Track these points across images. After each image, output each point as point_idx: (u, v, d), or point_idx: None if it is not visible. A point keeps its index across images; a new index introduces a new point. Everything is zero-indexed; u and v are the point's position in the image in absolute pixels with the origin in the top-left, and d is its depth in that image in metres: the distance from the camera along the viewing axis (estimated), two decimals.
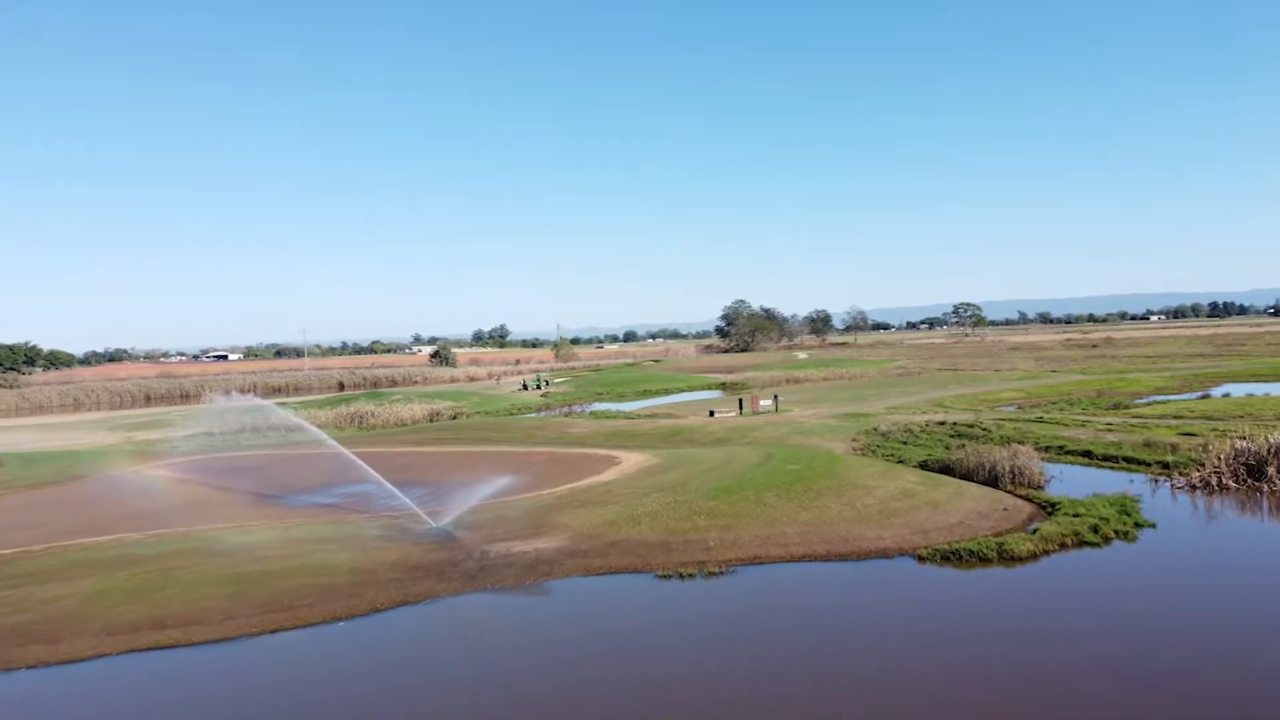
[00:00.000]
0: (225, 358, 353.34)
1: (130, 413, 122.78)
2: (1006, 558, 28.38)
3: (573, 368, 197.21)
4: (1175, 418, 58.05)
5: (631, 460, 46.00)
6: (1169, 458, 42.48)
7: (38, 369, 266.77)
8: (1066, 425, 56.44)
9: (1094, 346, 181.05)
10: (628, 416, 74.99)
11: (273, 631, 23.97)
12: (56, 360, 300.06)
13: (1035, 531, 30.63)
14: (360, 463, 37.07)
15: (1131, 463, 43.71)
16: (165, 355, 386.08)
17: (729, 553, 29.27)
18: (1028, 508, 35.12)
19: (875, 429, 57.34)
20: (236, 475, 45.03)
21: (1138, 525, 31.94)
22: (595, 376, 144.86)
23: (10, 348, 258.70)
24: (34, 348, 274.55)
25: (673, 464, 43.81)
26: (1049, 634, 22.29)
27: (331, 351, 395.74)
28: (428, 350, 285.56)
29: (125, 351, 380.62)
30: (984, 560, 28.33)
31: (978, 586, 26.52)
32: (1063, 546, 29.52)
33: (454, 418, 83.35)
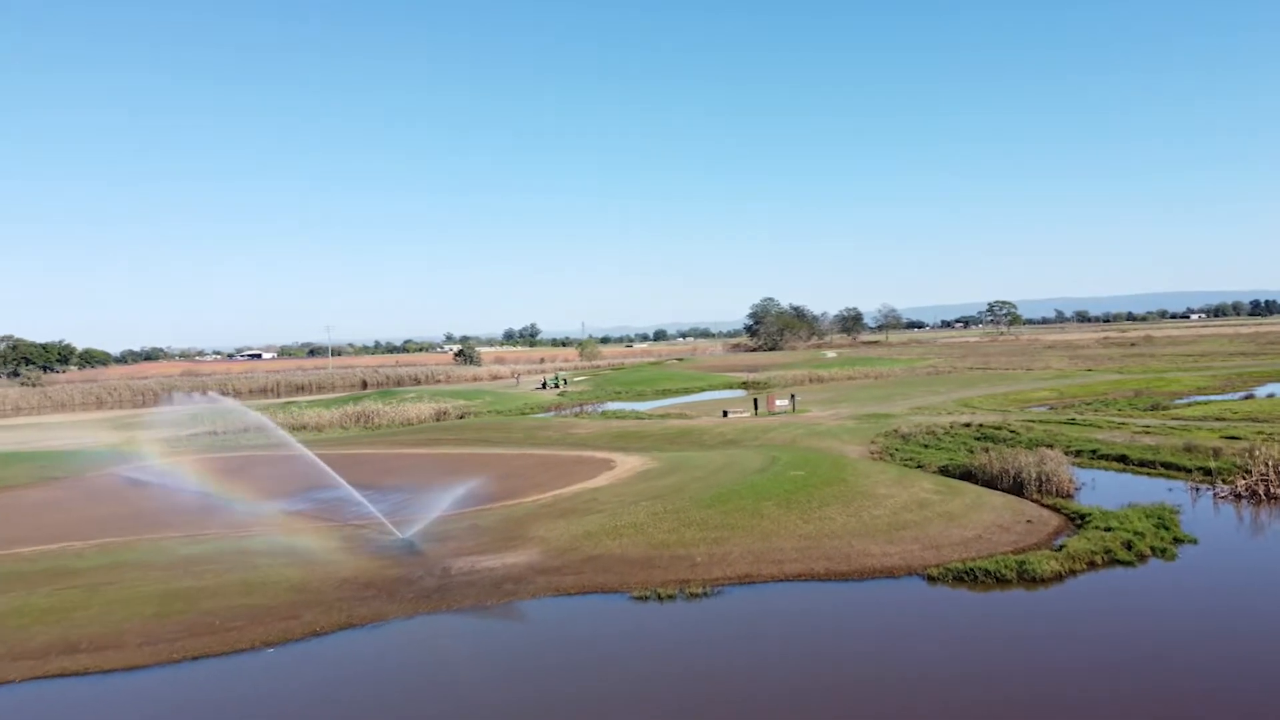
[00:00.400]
0: (259, 356, 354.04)
1: (146, 411, 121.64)
2: (1028, 579, 25.18)
3: (597, 366, 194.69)
4: (1217, 419, 54.29)
5: (628, 464, 43.12)
6: (1211, 463, 38.98)
7: (72, 367, 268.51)
8: (1100, 427, 52.89)
9: (1132, 345, 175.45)
10: (638, 416, 72.14)
11: (192, 658, 21.37)
12: (92, 359, 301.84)
13: (1061, 548, 27.37)
14: (324, 466, 34.52)
15: (1170, 469, 40.32)
16: (200, 354, 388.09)
17: (716, 570, 26.30)
18: (1054, 520, 31.86)
19: (895, 431, 54.02)
20: (212, 478, 42.65)
21: (1177, 541, 28.64)
22: (615, 375, 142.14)
23: (44, 346, 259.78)
24: (68, 346, 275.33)
25: (670, 468, 40.89)
26: (1072, 672, 19.12)
27: (365, 350, 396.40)
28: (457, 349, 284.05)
29: (161, 350, 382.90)
30: (1002, 582, 25.13)
31: (993, 613, 23.39)
32: (1092, 566, 26.29)
33: (461, 417, 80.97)
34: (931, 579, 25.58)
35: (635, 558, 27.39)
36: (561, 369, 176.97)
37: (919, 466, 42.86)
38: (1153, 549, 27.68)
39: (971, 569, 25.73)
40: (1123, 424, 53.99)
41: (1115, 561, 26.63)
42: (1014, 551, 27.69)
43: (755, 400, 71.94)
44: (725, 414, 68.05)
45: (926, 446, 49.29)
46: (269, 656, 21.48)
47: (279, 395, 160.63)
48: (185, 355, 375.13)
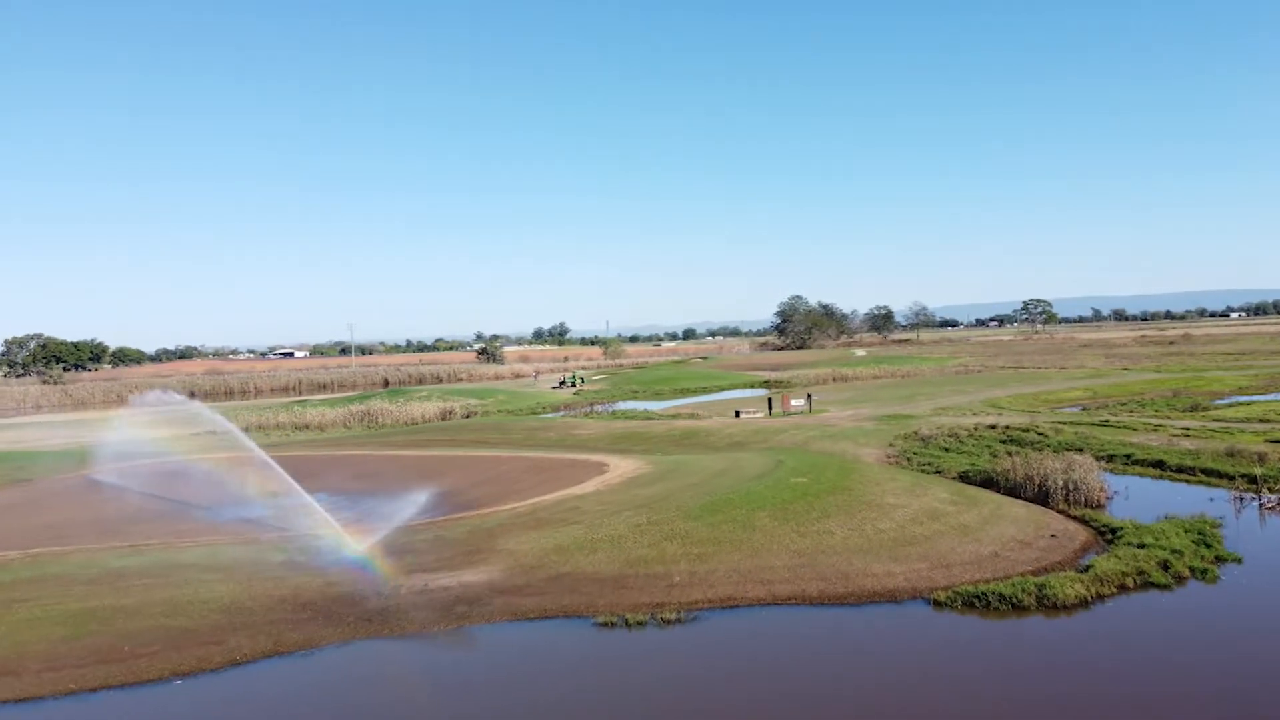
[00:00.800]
0: (291, 355, 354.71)
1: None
2: (1048, 605, 22.11)
3: (620, 365, 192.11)
4: (1262, 421, 50.70)
5: (621, 468, 40.32)
6: (1256, 470, 35.74)
7: (105, 365, 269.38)
8: (1135, 430, 49.45)
9: (1170, 343, 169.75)
10: (646, 416, 69.35)
11: (93, 689, 18.90)
12: (125, 357, 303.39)
13: (1088, 568, 24.24)
14: (280, 472, 32.06)
15: (1211, 475, 37.19)
16: (234, 353, 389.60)
17: (696, 592, 23.46)
18: (1082, 534, 28.74)
19: (915, 433, 50.77)
20: (180, 482, 40.37)
21: (1219, 559, 25.51)
22: (634, 374, 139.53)
23: (75, 344, 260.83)
24: (100, 345, 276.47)
25: (664, 473, 38.06)
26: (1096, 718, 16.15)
27: (396, 349, 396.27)
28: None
29: (195, 349, 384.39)
30: (1018, 608, 22.09)
31: (1007, 646, 20.41)
32: (1122, 589, 23.21)
33: (467, 416, 78.72)
34: (938, 604, 22.60)
35: (607, 576, 24.62)
36: (585, 367, 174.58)
37: (937, 472, 39.83)
38: (1192, 569, 24.56)
39: (984, 593, 22.69)
40: (1159, 426, 50.54)
41: (1149, 584, 23.52)
42: (1034, 572, 24.64)
43: (769, 400, 68.90)
44: (737, 414, 65.13)
45: (947, 450, 46.14)
46: (176, 689, 18.96)
47: (300, 393, 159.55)
48: (218, 354, 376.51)
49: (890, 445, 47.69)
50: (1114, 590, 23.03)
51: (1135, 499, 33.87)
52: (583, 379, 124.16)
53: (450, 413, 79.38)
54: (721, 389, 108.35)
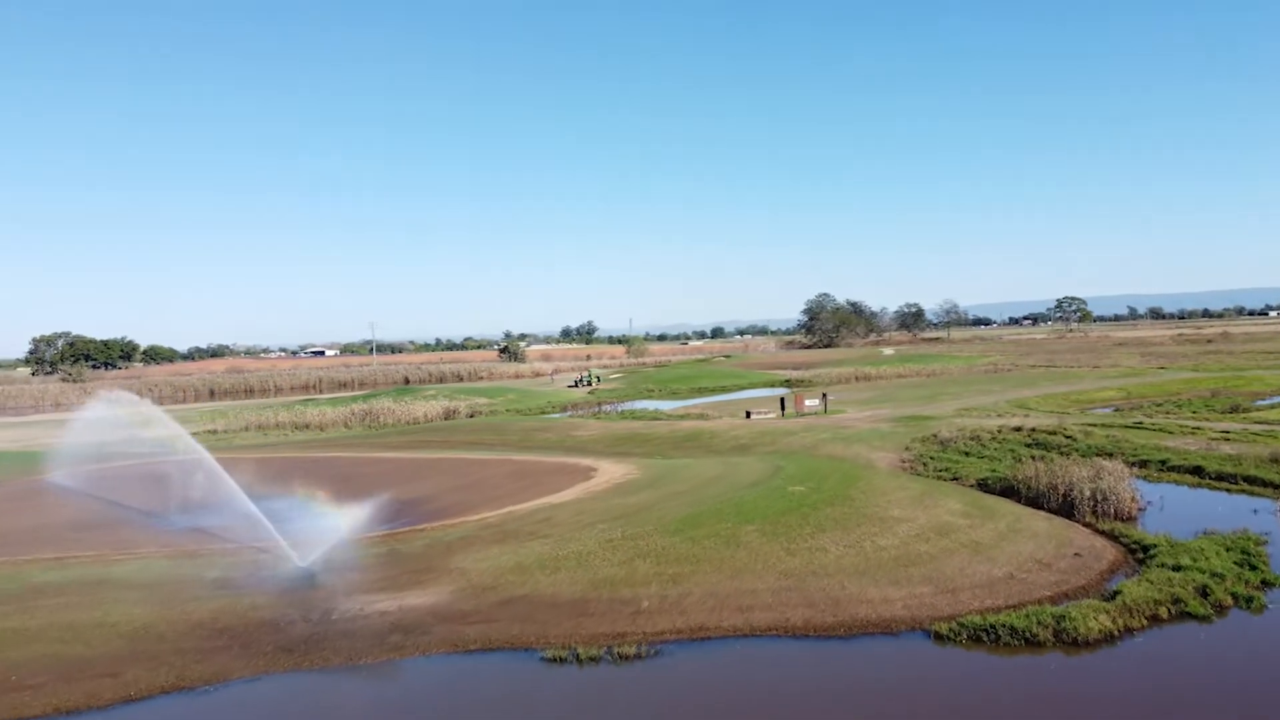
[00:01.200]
0: (321, 353, 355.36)
1: (179, 408, 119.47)
2: (1067, 641, 19.08)
3: (642, 364, 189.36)
4: None
5: (609, 473, 37.55)
6: None
7: (136, 363, 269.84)
8: (1171, 433, 46.05)
9: (1208, 342, 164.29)
10: (654, 417, 66.49)
11: None
12: (157, 355, 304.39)
13: (1116, 595, 21.17)
14: (225, 478, 29.53)
15: (1254, 483, 34.12)
16: (265, 351, 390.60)
17: (664, 620, 20.64)
18: (1110, 552, 25.64)
19: (934, 435, 47.53)
20: (136, 486, 38.08)
21: (1265, 584, 22.45)
22: (653, 373, 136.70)
23: (105, 343, 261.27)
24: (130, 343, 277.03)
25: (654, 479, 35.27)
26: None
27: (425, 347, 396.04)
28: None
29: (227, 348, 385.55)
30: (1032, 644, 19.08)
31: (1014, 693, 17.42)
32: (1154, 620, 20.16)
33: (471, 416, 76.31)
34: (939, 637, 19.63)
35: (567, 600, 21.87)
36: (607, 366, 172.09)
37: (954, 479, 36.78)
38: (1235, 596, 21.48)
39: (993, 625, 19.67)
40: (1197, 429, 47.07)
41: (1186, 615, 20.46)
42: (1053, 598, 21.63)
43: (782, 400, 65.80)
44: (748, 415, 62.15)
45: (967, 454, 43.02)
46: None
47: (321, 391, 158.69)
48: (250, 352, 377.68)
49: (906, 449, 44.60)
50: (1144, 622, 19.98)
51: (1170, 510, 30.71)
52: (598, 377, 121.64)
53: (454, 412, 77.01)
54: (740, 388, 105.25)
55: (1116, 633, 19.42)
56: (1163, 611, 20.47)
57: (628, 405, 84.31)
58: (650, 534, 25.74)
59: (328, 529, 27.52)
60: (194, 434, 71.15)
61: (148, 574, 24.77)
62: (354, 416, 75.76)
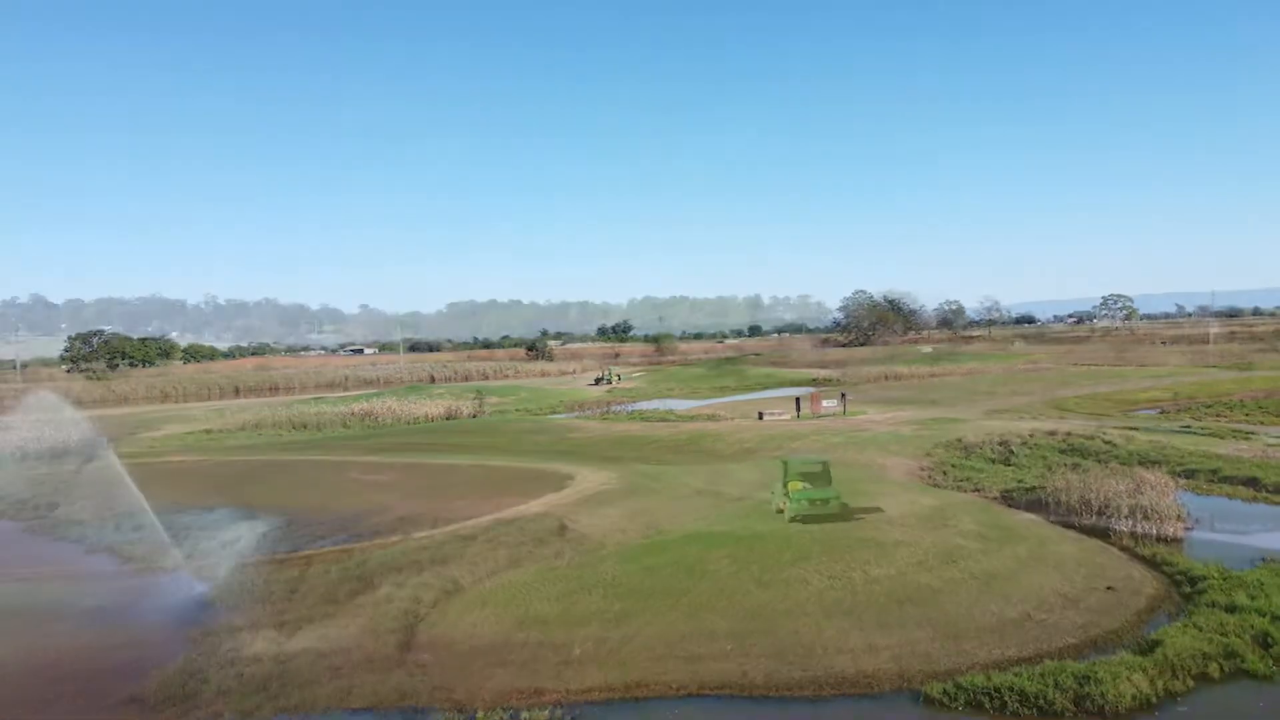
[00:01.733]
0: (360, 351, 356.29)
1: (199, 405, 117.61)
2: (1092, 711, 15.06)
3: (671, 361, 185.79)
4: None
5: (587, 483, 33.88)
6: None
7: (176, 362, 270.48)
8: (1222, 438, 41.61)
9: (1262, 339, 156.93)
10: (662, 418, 62.65)
11: None
12: (197, 354, 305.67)
13: (1156, 648, 17.03)
14: (133, 488, 26.27)
15: None
16: (305, 349, 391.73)
17: (594, 674, 16.87)
18: (1150, 584, 21.49)
19: (959, 440, 43.20)
20: (68, 497, 35.09)
21: None
22: (676, 371, 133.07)
23: (141, 341, 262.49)
24: (169, 341, 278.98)
25: (632, 489, 31.67)
26: None
27: (463, 346, 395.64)
28: (552, 344, 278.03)
29: (268, 345, 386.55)
30: (1047, 714, 15.07)
31: None
32: (1203, 679, 16.14)
33: (473, 416, 73.06)
34: (931, 701, 15.70)
35: (485, 644, 18.19)
36: (635, 364, 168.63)
37: (975, 490, 32.85)
38: None
39: (999, 688, 15.65)
40: (1251, 434, 42.60)
41: (1242, 672, 16.37)
42: (1078, 647, 17.63)
43: (797, 400, 61.62)
44: (761, 416, 58.14)
45: (992, 461, 38.95)
46: None
47: (346, 389, 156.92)
48: (291, 350, 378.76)
49: (926, 455, 40.49)
50: (1189, 684, 15.91)
51: (1223, 530, 26.50)
52: (619, 376, 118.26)
53: (456, 412, 73.78)
54: (764, 386, 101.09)
55: (1155, 698, 15.40)
56: (1213, 669, 16.39)
57: (638, 405, 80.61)
58: (603, 559, 22.05)
59: (243, 549, 24.13)
60: (187, 432, 68.94)
61: (24, 601, 21.76)
62: (353, 416, 72.87)
